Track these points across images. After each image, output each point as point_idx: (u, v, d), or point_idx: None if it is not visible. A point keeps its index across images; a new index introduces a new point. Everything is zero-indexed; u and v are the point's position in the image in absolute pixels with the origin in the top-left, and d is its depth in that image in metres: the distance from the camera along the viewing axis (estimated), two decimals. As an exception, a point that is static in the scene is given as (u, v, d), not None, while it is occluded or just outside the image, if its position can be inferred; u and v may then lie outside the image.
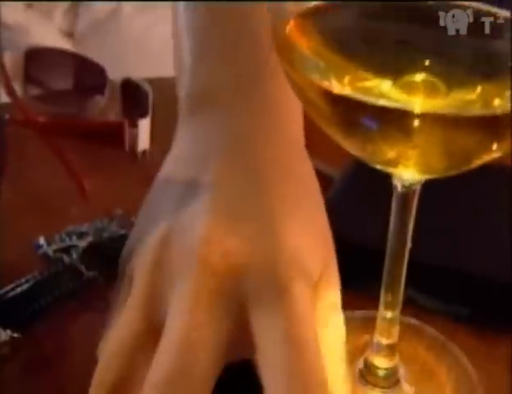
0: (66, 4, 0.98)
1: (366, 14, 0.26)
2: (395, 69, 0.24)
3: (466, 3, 0.26)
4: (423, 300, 0.42)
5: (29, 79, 0.60)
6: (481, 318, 0.41)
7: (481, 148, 0.24)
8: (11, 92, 0.56)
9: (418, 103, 0.23)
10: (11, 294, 0.42)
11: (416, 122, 0.22)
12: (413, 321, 0.41)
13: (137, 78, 0.57)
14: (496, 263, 0.40)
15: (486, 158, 0.25)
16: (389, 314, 0.37)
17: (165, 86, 0.62)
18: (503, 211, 0.43)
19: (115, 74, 0.61)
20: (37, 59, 0.60)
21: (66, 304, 0.42)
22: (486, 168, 0.43)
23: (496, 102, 0.23)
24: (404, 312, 0.37)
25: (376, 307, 0.37)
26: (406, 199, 0.29)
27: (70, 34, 0.99)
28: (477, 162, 0.25)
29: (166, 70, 0.96)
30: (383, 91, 0.23)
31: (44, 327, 0.41)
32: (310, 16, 0.25)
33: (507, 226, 0.43)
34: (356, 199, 0.45)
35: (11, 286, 0.42)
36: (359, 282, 0.43)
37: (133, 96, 0.56)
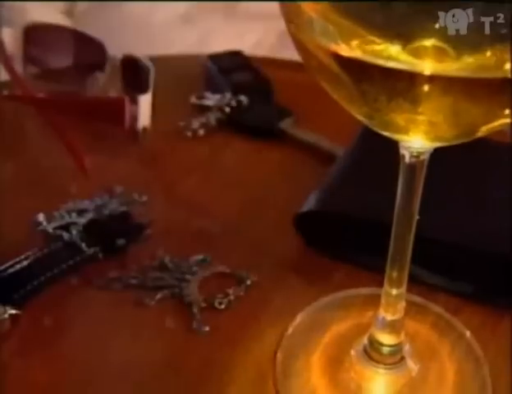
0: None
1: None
2: (404, 34, 0.23)
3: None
4: (427, 277, 0.42)
5: (28, 56, 0.59)
6: (485, 294, 0.41)
7: (490, 113, 0.23)
8: (10, 69, 0.56)
9: (427, 67, 0.22)
10: (11, 270, 0.41)
11: (425, 85, 0.22)
12: (418, 298, 0.41)
13: (138, 54, 0.56)
14: (500, 240, 0.40)
15: (496, 124, 0.24)
16: (394, 291, 0.36)
17: (167, 65, 0.61)
18: (507, 187, 0.43)
19: (116, 52, 0.60)
20: (36, 36, 0.59)
21: (65, 281, 0.42)
22: (489, 144, 0.43)
23: (507, 66, 0.23)
24: (407, 289, 0.37)
25: (381, 285, 0.37)
26: (414, 170, 0.29)
27: (70, 14, 0.98)
28: (486, 129, 0.25)
29: (168, 48, 0.96)
30: (392, 55, 0.23)
31: (44, 304, 0.41)
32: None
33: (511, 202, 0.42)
34: (360, 174, 0.45)
35: (11, 262, 0.41)
36: (364, 257, 0.43)
37: (134, 73, 0.55)
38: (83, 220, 0.45)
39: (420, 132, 0.25)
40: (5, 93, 0.52)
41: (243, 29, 1.05)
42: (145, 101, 0.51)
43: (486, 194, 0.43)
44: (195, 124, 0.54)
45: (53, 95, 0.53)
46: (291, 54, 0.31)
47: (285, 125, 0.53)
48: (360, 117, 0.25)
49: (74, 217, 0.46)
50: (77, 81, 0.58)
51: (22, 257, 0.42)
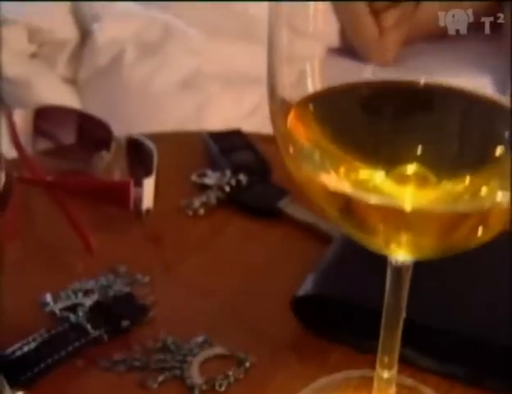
0: (69, 52, 1.00)
1: (362, 103, 0.28)
2: (388, 160, 0.26)
3: (459, 88, 0.28)
4: (418, 359, 0.43)
5: (37, 134, 0.62)
6: (477, 377, 0.42)
7: (470, 238, 0.26)
8: (19, 149, 0.58)
9: (409, 196, 0.25)
10: (19, 353, 0.43)
11: (406, 217, 0.24)
12: (409, 381, 0.42)
13: (141, 136, 0.59)
14: (492, 324, 0.41)
15: (476, 243, 0.26)
16: (385, 374, 0.38)
17: (169, 141, 0.64)
18: (500, 272, 0.45)
19: (118, 122, 0.63)
20: (45, 116, 0.62)
21: (71, 363, 0.43)
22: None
23: (484, 191, 0.25)
24: (399, 371, 0.39)
25: (373, 366, 0.39)
26: (400, 273, 0.31)
27: (73, 81, 1.01)
28: (468, 247, 0.27)
29: (167, 114, 0.98)
30: (377, 183, 0.25)
31: (50, 386, 0.42)
32: (309, 105, 0.27)
33: (503, 287, 0.44)
34: (355, 259, 0.47)
35: (19, 344, 0.43)
36: (360, 339, 0.44)
37: (138, 154, 0.58)
38: (89, 301, 0.47)
39: (403, 251, 0.27)
40: (14, 174, 0.54)
41: (241, 94, 1.07)
42: (149, 184, 0.53)
43: (482, 281, 0.44)
44: (196, 203, 0.56)
45: (61, 178, 0.55)
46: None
47: (283, 204, 0.55)
48: (347, 234, 0.28)
49: (80, 298, 0.48)
50: (84, 159, 0.61)
51: (30, 339, 0.44)
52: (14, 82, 0.90)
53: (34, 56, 0.97)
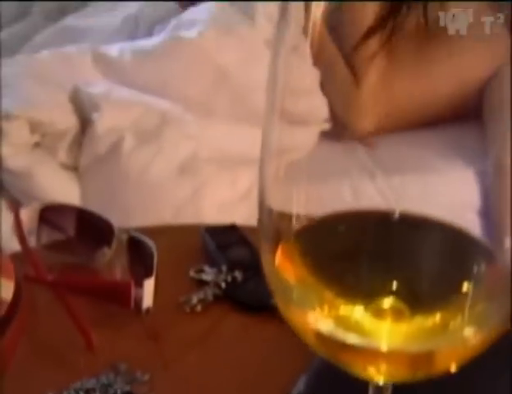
0: (69, 140, 1.02)
1: (341, 238, 0.31)
2: (367, 294, 0.28)
3: (433, 220, 0.31)
4: None
5: (42, 230, 0.65)
6: None
7: (444, 367, 0.28)
8: (24, 246, 0.61)
9: (385, 332, 0.27)
10: None
11: (383, 355, 0.26)
12: None
13: (141, 234, 0.62)
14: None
15: (451, 370, 0.29)
16: None
17: (167, 235, 0.67)
18: (486, 376, 0.46)
19: (116, 210, 0.65)
20: (50, 213, 0.65)
21: None
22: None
23: (452, 325, 0.27)
24: None
25: None
26: (381, 392, 0.33)
27: (74, 168, 1.03)
28: (444, 373, 0.29)
29: (164, 205, 1.00)
30: (357, 317, 0.27)
31: None
32: (293, 243, 0.30)
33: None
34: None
35: None
36: None
37: (138, 251, 0.60)
38: (90, 401, 0.49)
39: (382, 377, 0.29)
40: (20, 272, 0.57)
41: (236, 176, 1.10)
42: (149, 285, 0.56)
43: (467, 381, 0.46)
44: (194, 299, 0.58)
45: (63, 277, 0.58)
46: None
47: (277, 301, 0.58)
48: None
49: (82, 398, 0.50)
50: (86, 254, 0.63)
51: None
52: (15, 174, 0.93)
53: (36, 145, 1.00)
